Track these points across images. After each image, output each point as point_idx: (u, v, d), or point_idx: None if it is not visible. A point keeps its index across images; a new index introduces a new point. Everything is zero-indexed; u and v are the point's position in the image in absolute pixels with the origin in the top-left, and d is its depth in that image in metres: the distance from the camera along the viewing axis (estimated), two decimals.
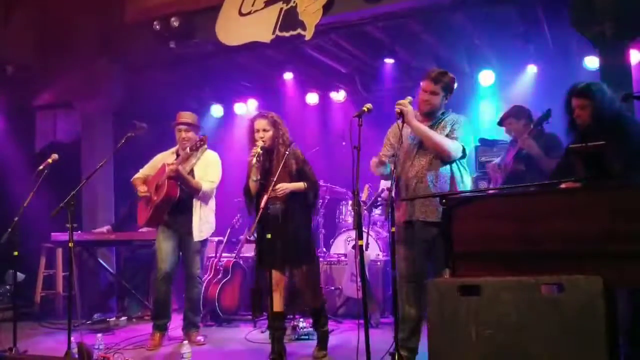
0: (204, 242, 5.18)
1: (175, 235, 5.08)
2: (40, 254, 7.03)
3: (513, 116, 5.14)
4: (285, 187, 4.22)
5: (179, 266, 5.17)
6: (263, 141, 4.26)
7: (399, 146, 3.72)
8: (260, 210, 3.95)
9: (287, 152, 4.24)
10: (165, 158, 5.20)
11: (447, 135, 3.73)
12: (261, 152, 4.21)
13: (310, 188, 4.33)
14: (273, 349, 4.16)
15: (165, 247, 5.04)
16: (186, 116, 5.20)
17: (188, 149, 4.95)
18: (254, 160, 4.17)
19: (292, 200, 4.26)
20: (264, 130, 4.31)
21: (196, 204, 5.07)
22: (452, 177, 3.73)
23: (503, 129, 5.33)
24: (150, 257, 6.95)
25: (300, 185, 4.29)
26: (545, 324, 2.41)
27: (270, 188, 4.07)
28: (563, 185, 3.13)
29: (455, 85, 3.91)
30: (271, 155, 4.31)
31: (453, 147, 3.68)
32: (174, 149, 5.26)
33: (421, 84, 3.82)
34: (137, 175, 5.26)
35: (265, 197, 4.03)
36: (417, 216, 3.68)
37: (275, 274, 4.25)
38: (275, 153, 4.30)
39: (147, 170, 5.26)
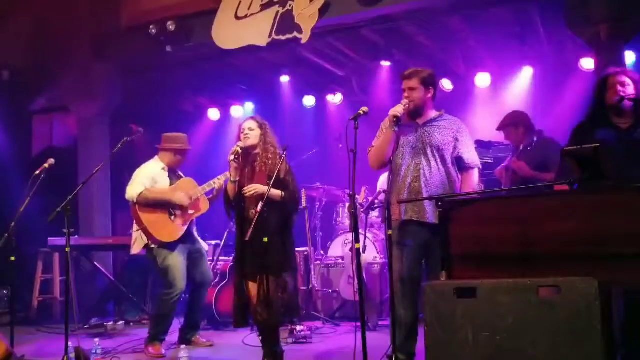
0: None
1: (186, 250, 5.02)
2: (37, 258, 7.02)
3: (511, 125, 5.09)
4: (255, 188, 3.99)
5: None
6: (247, 138, 4.13)
7: (395, 150, 3.72)
8: (256, 215, 3.88)
9: (269, 156, 4.09)
10: (160, 174, 5.04)
11: (459, 157, 3.78)
12: (240, 151, 4.09)
13: (289, 198, 4.06)
14: (265, 353, 4.12)
15: (182, 265, 4.91)
16: (187, 142, 5.23)
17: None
18: (232, 157, 4.06)
19: (269, 207, 3.92)
20: (250, 129, 4.16)
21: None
22: (447, 178, 3.74)
23: (502, 133, 5.33)
24: (148, 261, 6.94)
25: (276, 192, 3.99)
26: (542, 326, 2.41)
27: (264, 200, 3.89)
28: (555, 188, 3.15)
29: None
30: (254, 157, 4.16)
31: (477, 177, 3.86)
32: (162, 165, 5.09)
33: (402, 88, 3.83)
34: (143, 188, 4.92)
35: (261, 203, 3.88)
36: (410, 215, 3.69)
37: (248, 284, 4.09)
38: (259, 154, 4.14)
39: (146, 182, 4.96)
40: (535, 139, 5.01)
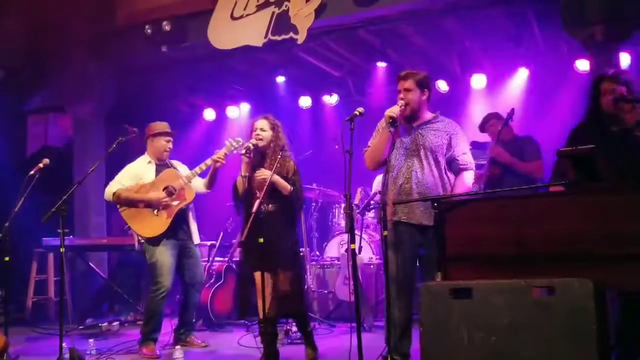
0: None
1: (176, 246, 4.93)
2: (31, 259, 6.99)
3: (495, 117, 5.29)
4: (265, 174, 4.07)
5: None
6: (259, 139, 4.21)
7: (391, 151, 3.72)
8: (252, 215, 3.89)
9: (279, 156, 4.18)
10: (145, 169, 5.01)
11: (453, 158, 3.77)
12: (252, 148, 4.16)
13: (294, 196, 4.18)
14: (264, 352, 4.14)
15: (169, 261, 4.83)
16: (167, 126, 5.12)
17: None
18: (243, 151, 4.13)
19: (276, 204, 4.13)
20: (262, 129, 4.24)
21: (189, 208, 5.05)
22: (440, 180, 3.73)
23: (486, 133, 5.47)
24: (142, 261, 6.92)
25: (285, 184, 4.13)
26: (537, 327, 2.41)
27: (263, 192, 3.99)
28: (551, 189, 3.16)
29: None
30: (265, 157, 4.25)
31: (472, 179, 3.86)
32: (149, 159, 5.06)
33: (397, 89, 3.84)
34: (119, 187, 4.92)
35: (257, 202, 3.93)
36: (399, 217, 3.69)
37: (258, 276, 4.14)
38: (269, 155, 4.23)
39: (125, 181, 4.95)
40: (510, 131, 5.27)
